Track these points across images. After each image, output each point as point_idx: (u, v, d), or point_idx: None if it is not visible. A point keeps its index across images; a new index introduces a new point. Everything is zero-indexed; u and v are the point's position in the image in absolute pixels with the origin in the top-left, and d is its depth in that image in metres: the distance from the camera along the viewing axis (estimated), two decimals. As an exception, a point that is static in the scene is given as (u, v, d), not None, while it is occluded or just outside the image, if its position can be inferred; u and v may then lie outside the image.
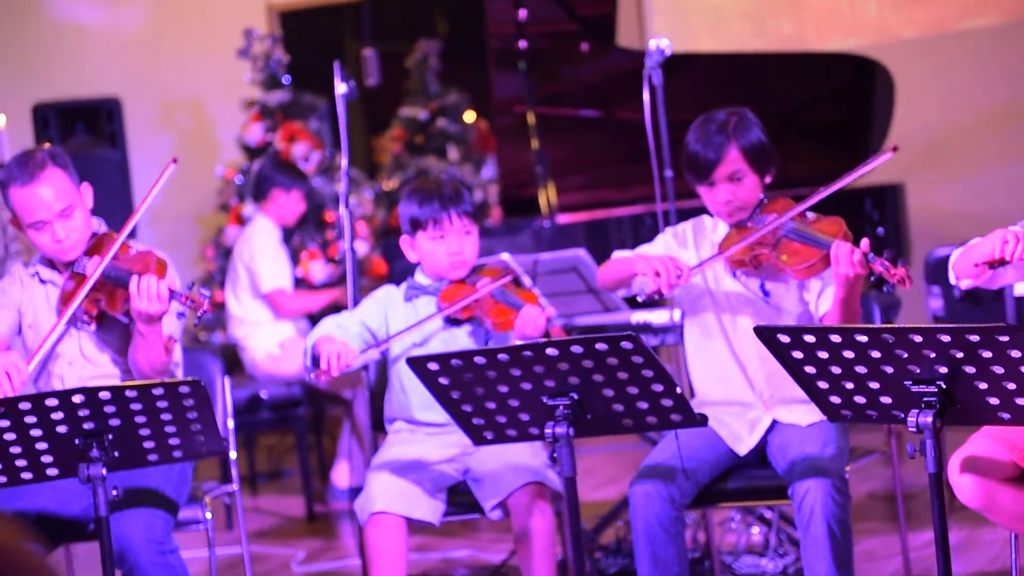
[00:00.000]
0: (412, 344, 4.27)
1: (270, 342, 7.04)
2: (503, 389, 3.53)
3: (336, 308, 7.35)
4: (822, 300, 4.01)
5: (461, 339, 4.28)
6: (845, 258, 3.78)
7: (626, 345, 3.38)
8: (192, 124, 9.37)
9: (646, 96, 4.42)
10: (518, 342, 3.91)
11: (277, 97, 8.39)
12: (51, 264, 4.19)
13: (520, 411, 3.57)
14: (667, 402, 3.47)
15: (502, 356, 3.48)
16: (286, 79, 8.47)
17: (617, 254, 4.21)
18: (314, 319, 7.36)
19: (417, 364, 3.57)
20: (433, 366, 3.55)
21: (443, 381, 3.56)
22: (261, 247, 7.06)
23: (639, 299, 4.06)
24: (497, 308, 4.21)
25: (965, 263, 3.75)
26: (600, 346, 3.39)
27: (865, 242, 3.80)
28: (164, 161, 4.09)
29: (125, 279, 4.00)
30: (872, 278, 3.81)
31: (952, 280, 3.84)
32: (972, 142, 8.40)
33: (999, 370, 3.08)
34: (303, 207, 7.27)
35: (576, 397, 3.48)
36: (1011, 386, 3.10)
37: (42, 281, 4.19)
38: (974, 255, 3.71)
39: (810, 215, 4.04)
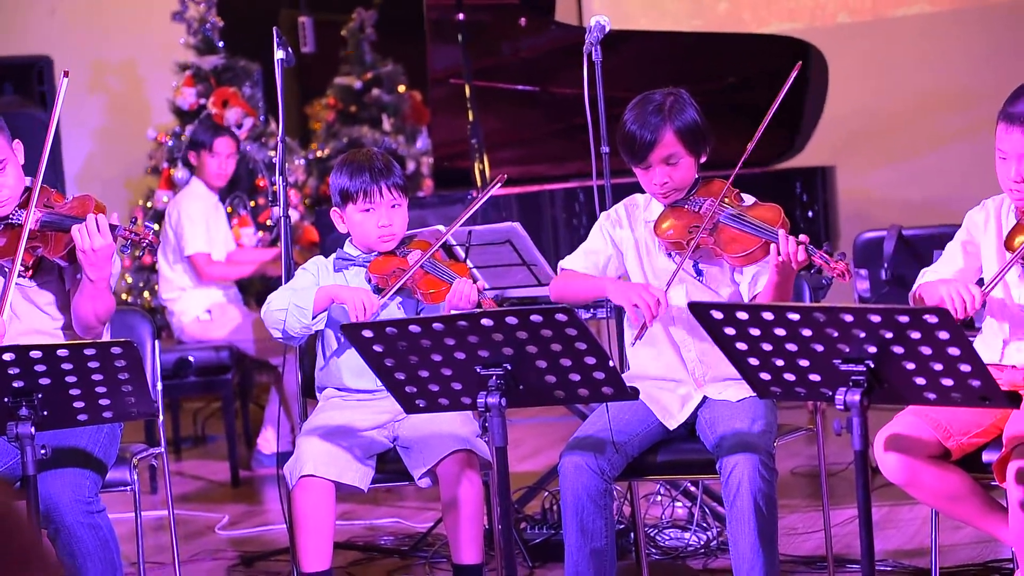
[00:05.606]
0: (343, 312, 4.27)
1: (199, 307, 7.01)
2: (437, 358, 3.55)
3: (264, 279, 7.34)
4: (755, 284, 4.04)
5: (391, 310, 4.29)
6: (786, 250, 3.81)
7: (560, 317, 3.40)
8: (124, 86, 9.28)
9: (584, 72, 4.44)
10: (453, 312, 3.93)
11: (211, 61, 8.33)
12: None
13: (453, 380, 3.58)
14: (599, 375, 3.50)
15: (437, 325, 3.49)
16: (220, 44, 8.42)
17: (569, 263, 4.19)
18: (243, 286, 7.35)
19: (351, 331, 3.57)
20: (367, 333, 3.55)
21: (377, 348, 3.57)
22: (188, 211, 7.04)
23: (633, 341, 4.05)
24: (428, 280, 4.21)
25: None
26: (535, 318, 3.41)
27: (804, 236, 3.84)
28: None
29: (63, 223, 3.99)
30: (812, 270, 3.85)
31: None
32: (902, 127, 8.50)
33: (927, 351, 3.13)
34: (233, 159, 7.20)
35: (509, 368, 3.50)
36: (938, 367, 3.15)
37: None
38: (929, 300, 3.76)
39: (748, 199, 4.07)
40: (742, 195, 4.08)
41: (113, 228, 3.96)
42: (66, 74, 4.10)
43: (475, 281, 4.24)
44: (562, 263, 4.23)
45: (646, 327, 3.94)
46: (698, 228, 3.99)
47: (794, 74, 4.00)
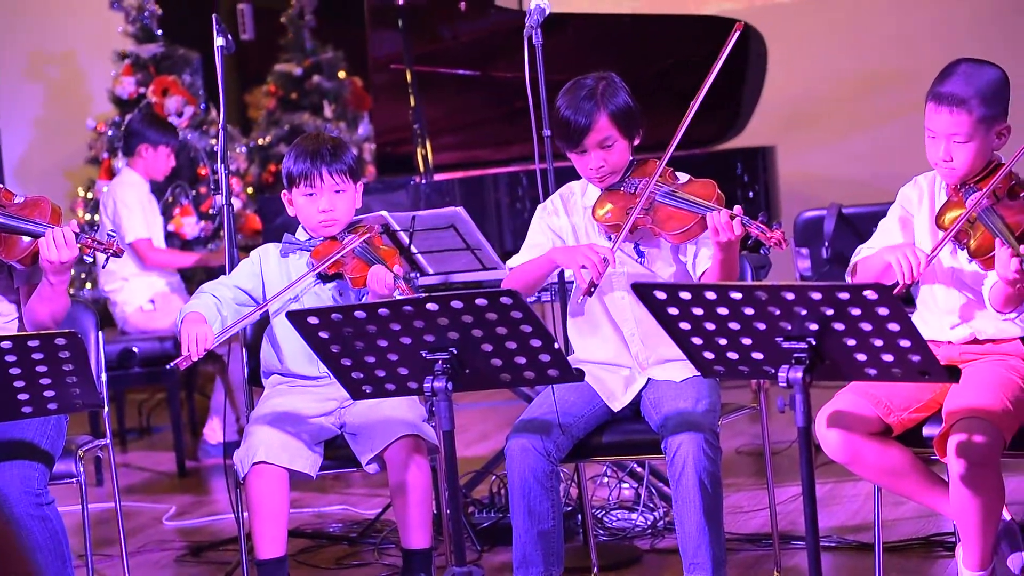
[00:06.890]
0: (288, 300, 4.27)
1: (142, 297, 6.99)
2: (382, 343, 3.55)
3: (209, 269, 7.32)
4: (699, 261, 4.07)
5: (328, 296, 4.30)
6: (721, 224, 3.84)
7: (505, 300, 3.42)
8: (63, 75, 9.21)
9: (525, 56, 4.45)
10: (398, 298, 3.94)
11: (150, 50, 8.28)
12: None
13: (399, 365, 3.59)
14: (545, 357, 3.52)
15: (382, 311, 3.50)
16: (159, 32, 8.37)
17: (515, 261, 4.19)
18: (186, 275, 7.33)
19: (297, 318, 3.58)
20: (313, 320, 3.56)
21: (323, 335, 3.57)
22: (123, 198, 7.03)
23: (579, 299, 4.04)
24: (355, 264, 4.24)
25: (868, 274, 3.84)
26: (480, 301, 3.43)
27: (738, 208, 3.87)
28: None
29: (19, 228, 3.97)
30: (749, 241, 3.88)
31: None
32: (842, 107, 8.56)
33: (867, 327, 3.17)
34: (172, 163, 7.22)
35: (455, 352, 3.52)
36: (878, 343, 3.19)
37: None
38: (871, 269, 3.80)
39: (682, 177, 4.10)
40: (676, 173, 4.11)
41: (76, 235, 3.95)
42: None
43: (412, 268, 4.26)
44: (509, 263, 4.24)
45: (595, 285, 3.93)
46: (635, 209, 4.01)
47: (731, 43, 4.03)
